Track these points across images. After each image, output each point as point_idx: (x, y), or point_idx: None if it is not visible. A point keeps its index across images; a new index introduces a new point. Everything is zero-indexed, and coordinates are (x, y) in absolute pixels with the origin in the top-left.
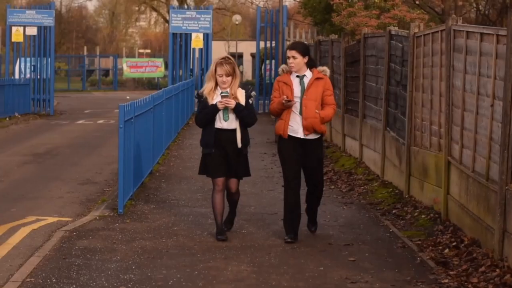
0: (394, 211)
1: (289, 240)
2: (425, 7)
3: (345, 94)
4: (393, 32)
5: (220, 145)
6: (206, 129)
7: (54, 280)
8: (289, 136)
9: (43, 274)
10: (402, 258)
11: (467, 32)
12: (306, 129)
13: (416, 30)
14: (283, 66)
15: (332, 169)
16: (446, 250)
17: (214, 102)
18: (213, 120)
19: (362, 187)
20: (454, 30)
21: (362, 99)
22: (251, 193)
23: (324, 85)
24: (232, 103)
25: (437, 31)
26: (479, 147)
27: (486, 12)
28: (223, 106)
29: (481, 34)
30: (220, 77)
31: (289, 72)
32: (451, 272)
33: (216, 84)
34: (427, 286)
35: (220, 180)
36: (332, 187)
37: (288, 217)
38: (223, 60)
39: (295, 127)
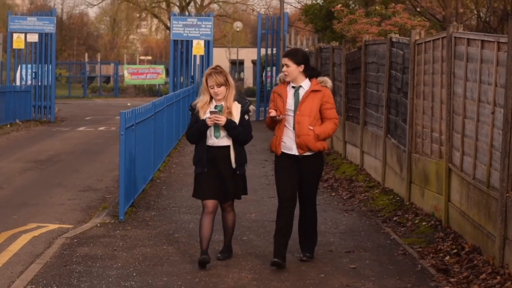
0: (395, 218)
1: (276, 261)
2: (426, 14)
3: (346, 101)
4: (394, 39)
5: (212, 164)
6: (198, 146)
7: (55, 287)
8: (283, 153)
9: (44, 281)
10: (403, 265)
11: (468, 39)
12: (300, 147)
13: (417, 37)
14: (280, 75)
15: (333, 176)
16: (447, 257)
17: (205, 117)
18: (204, 136)
19: (363, 194)
20: (455, 37)
21: (363, 106)
22: (251, 200)
23: (322, 97)
24: (222, 120)
25: (438, 38)
26: (480, 154)
27: (487, 19)
28: (212, 123)
29: (482, 41)
30: (211, 88)
31: (287, 82)
32: (452, 279)
33: (211, 97)
34: None
35: (210, 202)
36: (333, 194)
37: (278, 242)
38: (213, 70)
39: (289, 144)
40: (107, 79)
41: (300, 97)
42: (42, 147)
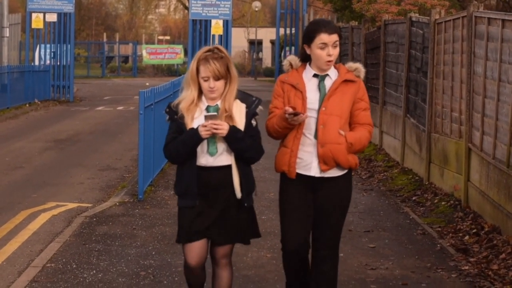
0: (414, 198)
1: None
2: None
3: (365, 81)
4: (413, 19)
5: (206, 193)
6: (184, 167)
7: (74, 266)
8: (298, 174)
9: (63, 260)
10: (422, 245)
11: (489, 18)
12: (324, 161)
13: (437, 17)
14: (290, 58)
15: None
16: (466, 237)
17: (194, 125)
18: (193, 154)
19: (382, 174)
20: (475, 16)
21: (382, 86)
22: (270, 180)
23: (355, 92)
24: (223, 129)
25: (458, 18)
26: (500, 134)
27: None
28: (208, 134)
29: (503, 20)
30: (205, 81)
31: (301, 68)
32: (471, 259)
33: (200, 93)
34: (447, 273)
35: (195, 247)
36: (352, 173)
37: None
38: (209, 54)
39: (307, 159)
40: (125, 59)
41: (327, 89)
42: (61, 126)
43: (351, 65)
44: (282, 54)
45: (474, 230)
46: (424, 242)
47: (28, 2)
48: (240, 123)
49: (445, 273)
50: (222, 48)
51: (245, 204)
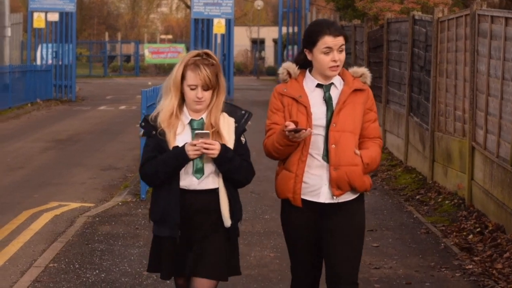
0: (417, 197)
1: None
2: None
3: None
4: (416, 17)
5: (186, 220)
6: (162, 191)
7: (77, 266)
8: (304, 201)
9: (66, 260)
10: (426, 244)
11: (492, 16)
12: (338, 185)
13: (440, 15)
14: (287, 65)
15: None
16: (470, 236)
17: (178, 143)
18: (173, 175)
19: (386, 173)
20: (478, 14)
21: (385, 85)
22: (273, 179)
23: (365, 102)
24: (215, 149)
25: (461, 16)
26: (504, 133)
27: None
28: (197, 154)
29: (506, 18)
30: (192, 89)
31: (299, 77)
32: (475, 258)
33: (181, 103)
34: (451, 272)
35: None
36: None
37: None
38: (199, 59)
39: (315, 184)
40: (127, 58)
41: (335, 101)
42: (63, 126)
43: (356, 70)
44: (285, 53)
45: (478, 229)
46: (428, 241)
47: (29, 2)
48: (229, 141)
49: (449, 272)
50: (211, 53)
51: (232, 232)
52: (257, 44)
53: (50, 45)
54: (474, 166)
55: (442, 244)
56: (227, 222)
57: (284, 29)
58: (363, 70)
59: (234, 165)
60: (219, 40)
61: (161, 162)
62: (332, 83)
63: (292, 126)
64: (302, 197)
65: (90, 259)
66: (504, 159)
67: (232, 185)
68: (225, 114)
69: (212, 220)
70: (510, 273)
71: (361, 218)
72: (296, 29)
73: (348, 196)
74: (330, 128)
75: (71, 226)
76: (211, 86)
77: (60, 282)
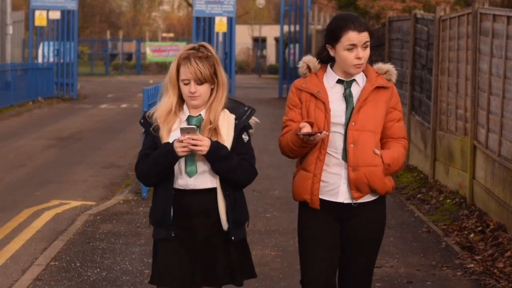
0: (419, 196)
1: None
2: None
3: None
4: (418, 16)
5: (185, 223)
6: (158, 190)
7: (78, 264)
8: (321, 201)
9: (67, 258)
10: (427, 243)
11: (494, 15)
12: (357, 187)
13: (442, 14)
14: (307, 59)
15: None
16: (472, 235)
17: (170, 139)
18: (169, 174)
19: None
20: (480, 13)
21: None
22: (275, 177)
23: (388, 100)
24: (203, 145)
25: (463, 14)
26: (505, 131)
27: None
28: (185, 151)
29: (508, 17)
30: (186, 84)
31: (318, 71)
32: (477, 257)
33: (182, 100)
34: (453, 270)
35: None
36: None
37: None
38: (192, 52)
39: (333, 183)
40: (129, 56)
41: (356, 98)
42: (65, 124)
43: (380, 66)
44: (286, 51)
45: (480, 228)
46: (429, 240)
47: (31, 0)
48: (227, 138)
49: (450, 271)
50: (208, 46)
51: (232, 238)
52: (259, 42)
53: (51, 43)
54: (476, 165)
55: (444, 243)
56: (224, 225)
57: (285, 28)
58: (388, 66)
59: (230, 164)
60: (220, 38)
61: (152, 160)
62: (354, 80)
63: (306, 128)
64: (320, 197)
65: (91, 257)
66: (506, 158)
67: (232, 186)
68: (226, 111)
69: (212, 222)
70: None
71: (380, 223)
72: (297, 27)
73: (368, 197)
74: (349, 126)
75: (72, 224)
76: (204, 79)
77: (61, 281)
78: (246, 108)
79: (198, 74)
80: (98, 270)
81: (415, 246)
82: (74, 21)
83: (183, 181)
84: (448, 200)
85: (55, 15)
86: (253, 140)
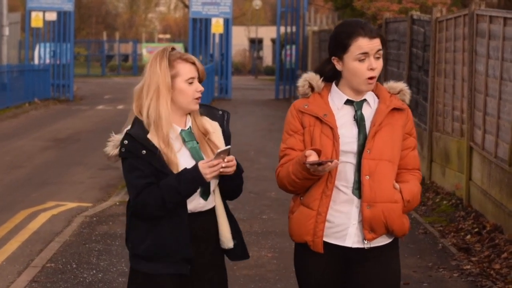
0: None
1: None
2: None
3: None
4: (415, 17)
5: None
6: (164, 218)
7: (74, 266)
8: (326, 245)
9: (63, 260)
10: (424, 244)
11: (490, 16)
12: (372, 227)
13: (438, 15)
14: (309, 76)
15: None
16: (468, 236)
17: (181, 163)
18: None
19: None
20: (477, 14)
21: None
22: (272, 179)
23: (404, 124)
24: (234, 165)
25: (460, 16)
26: (502, 133)
27: None
28: (215, 175)
29: (505, 18)
30: (190, 84)
31: (322, 91)
32: (473, 258)
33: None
34: (449, 272)
35: None
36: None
37: None
38: (177, 52)
39: (341, 223)
40: (125, 58)
41: (369, 122)
42: (62, 125)
43: (393, 85)
44: (283, 52)
45: (476, 229)
46: (425, 242)
47: (27, 1)
48: (221, 147)
49: (447, 273)
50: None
51: (234, 253)
52: (255, 43)
53: (48, 44)
54: (472, 166)
55: (440, 245)
56: (230, 243)
57: (282, 29)
58: (402, 85)
59: (241, 177)
60: (217, 39)
61: (169, 188)
62: (365, 100)
63: (313, 157)
64: (325, 239)
65: (88, 259)
66: (502, 159)
67: (226, 199)
68: (207, 118)
69: (213, 247)
70: (508, 273)
71: (396, 268)
72: (294, 28)
73: (381, 240)
74: (363, 155)
75: (68, 226)
76: (203, 78)
77: (57, 282)
78: (221, 113)
79: (202, 70)
80: (94, 271)
81: (411, 247)
82: (71, 23)
83: (191, 205)
84: (444, 202)
85: (52, 16)
86: (250, 141)
